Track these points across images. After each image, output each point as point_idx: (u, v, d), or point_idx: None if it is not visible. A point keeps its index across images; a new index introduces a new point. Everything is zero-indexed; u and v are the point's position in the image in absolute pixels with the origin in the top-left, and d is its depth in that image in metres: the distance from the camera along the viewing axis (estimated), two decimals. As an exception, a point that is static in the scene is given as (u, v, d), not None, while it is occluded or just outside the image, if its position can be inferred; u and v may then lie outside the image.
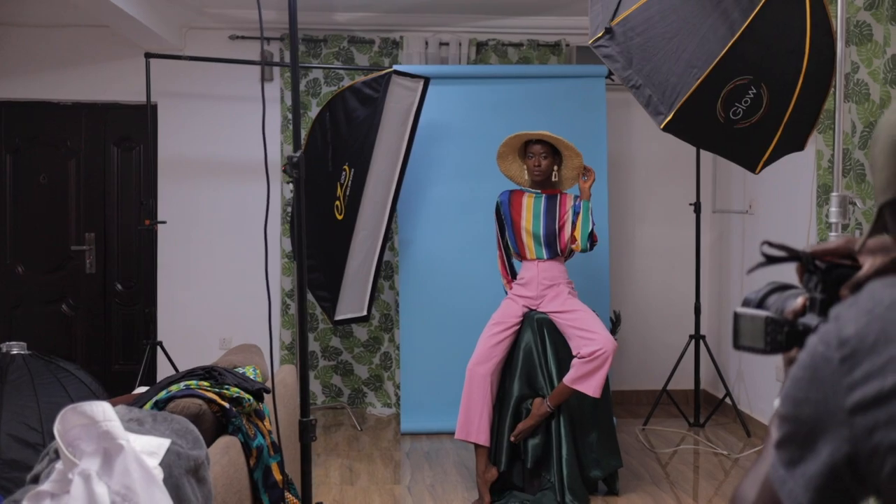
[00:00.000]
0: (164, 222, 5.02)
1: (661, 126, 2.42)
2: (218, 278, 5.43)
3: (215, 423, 2.20)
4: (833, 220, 2.18)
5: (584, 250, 3.81)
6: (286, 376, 3.04)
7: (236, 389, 2.26)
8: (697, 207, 5.08)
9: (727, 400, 5.12)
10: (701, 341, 5.12)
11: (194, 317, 5.42)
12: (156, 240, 5.35)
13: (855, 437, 0.78)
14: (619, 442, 3.97)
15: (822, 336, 0.83)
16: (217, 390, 2.22)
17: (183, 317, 5.43)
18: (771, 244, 1.09)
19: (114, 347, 5.58)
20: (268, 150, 5.56)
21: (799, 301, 1.04)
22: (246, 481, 2.21)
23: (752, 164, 2.60)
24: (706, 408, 5.30)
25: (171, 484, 1.63)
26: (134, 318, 5.55)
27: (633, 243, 5.63)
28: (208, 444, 2.14)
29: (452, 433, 4.90)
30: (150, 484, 1.56)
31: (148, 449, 1.64)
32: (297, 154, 2.02)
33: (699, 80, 2.30)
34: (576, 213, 3.86)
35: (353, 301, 4.54)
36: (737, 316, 1.08)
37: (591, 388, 3.58)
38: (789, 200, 4.56)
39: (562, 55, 5.47)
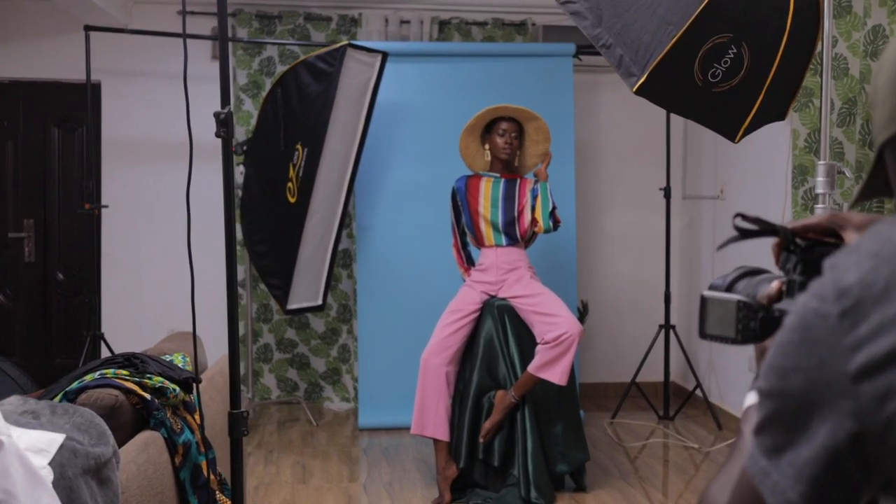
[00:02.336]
0: (106, 206, 4.72)
1: (634, 89, 2.22)
2: (166, 266, 5.14)
3: (135, 417, 1.95)
4: (820, 190, 2.00)
5: (546, 230, 3.60)
6: (226, 366, 2.79)
7: (160, 379, 2.01)
8: (667, 192, 4.90)
9: (698, 392, 4.95)
10: (671, 331, 4.95)
11: (141, 307, 5.13)
12: (99, 226, 5.05)
13: (862, 408, 0.62)
14: (585, 434, 3.78)
15: (816, 290, 0.66)
16: (137, 380, 1.97)
17: (128, 307, 5.14)
18: (744, 217, 0.93)
19: (55, 340, 5.27)
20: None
21: (774, 285, 0.91)
22: (170, 481, 1.96)
23: (731, 133, 2.40)
24: (675, 400, 5.13)
25: (63, 486, 1.38)
26: (76, 309, 5.24)
27: (600, 230, 5.44)
28: (127, 440, 1.90)
29: (411, 428, 4.69)
30: (36, 487, 1.32)
31: (36, 446, 1.40)
32: (225, 109, 1.78)
33: (675, 38, 2.09)
34: (534, 196, 3.66)
35: (306, 289, 4.29)
36: (704, 300, 0.93)
37: (557, 375, 3.38)
38: (762, 184, 4.40)
39: (527, 35, 5.26)
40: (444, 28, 5.23)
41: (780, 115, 2.39)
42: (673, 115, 5.11)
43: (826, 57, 2.08)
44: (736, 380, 4.74)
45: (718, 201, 4.93)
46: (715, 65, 2.18)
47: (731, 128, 2.37)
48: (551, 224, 3.58)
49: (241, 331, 5.12)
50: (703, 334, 0.94)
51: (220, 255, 5.17)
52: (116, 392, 1.90)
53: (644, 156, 5.38)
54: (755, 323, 0.88)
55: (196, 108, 5.51)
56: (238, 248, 5.08)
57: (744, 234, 0.95)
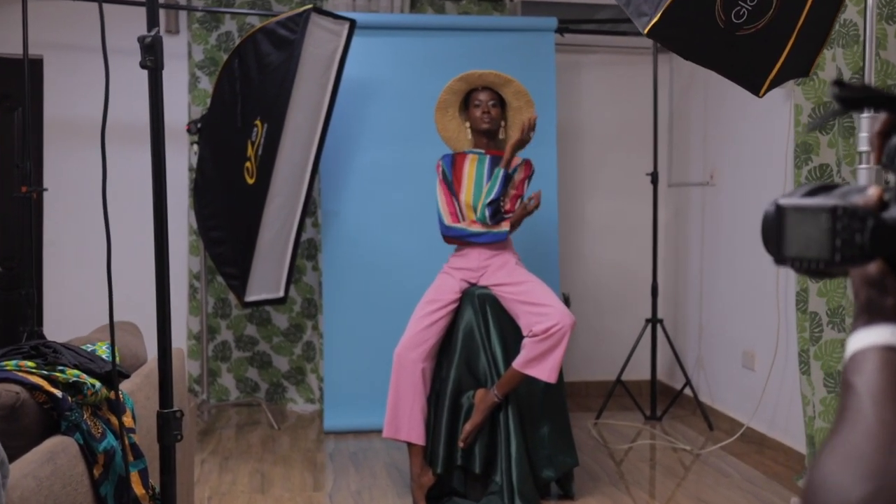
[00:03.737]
0: (45, 189, 4.31)
1: (646, 30, 1.90)
2: (115, 257, 4.73)
3: (42, 419, 1.58)
4: (863, 148, 1.70)
5: (482, 222, 3.26)
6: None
7: (75, 372, 1.64)
8: (654, 178, 4.60)
9: (687, 390, 4.66)
10: (658, 326, 4.64)
11: (87, 300, 4.71)
12: (41, 213, 4.63)
13: None
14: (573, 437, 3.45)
15: None
16: (46, 373, 1.60)
17: (72, 300, 4.71)
18: (844, 85, 0.68)
19: (-8, 338, 4.83)
20: (173, 111, 4.88)
21: (872, 192, 0.67)
22: (87, 498, 1.60)
23: (755, 85, 2.10)
24: (661, 399, 4.84)
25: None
26: (17, 305, 4.80)
27: (583, 219, 5.12)
28: (32, 446, 1.53)
29: (382, 431, 4.34)
30: None
31: None
32: (153, 32, 1.43)
33: (694, -30, 1.78)
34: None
35: (266, 279, 3.92)
36: (782, 211, 0.70)
37: (546, 371, 3.05)
38: (758, 167, 4.11)
39: (505, 10, 4.94)
40: (416, 3, 4.88)
41: (804, 71, 2.10)
42: (660, 97, 4.82)
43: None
44: (727, 377, 4.44)
45: (708, 188, 4.63)
46: (739, 3, 1.87)
47: (754, 79, 2.06)
48: (487, 215, 3.24)
49: (197, 327, 4.73)
50: (782, 258, 0.69)
51: (176, 245, 4.81)
52: (17, 388, 1.53)
53: (628, 140, 5.08)
54: (862, 235, 0.65)
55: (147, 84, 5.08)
56: (193, 238, 4.69)
57: (847, 105, 0.69)
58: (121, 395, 1.81)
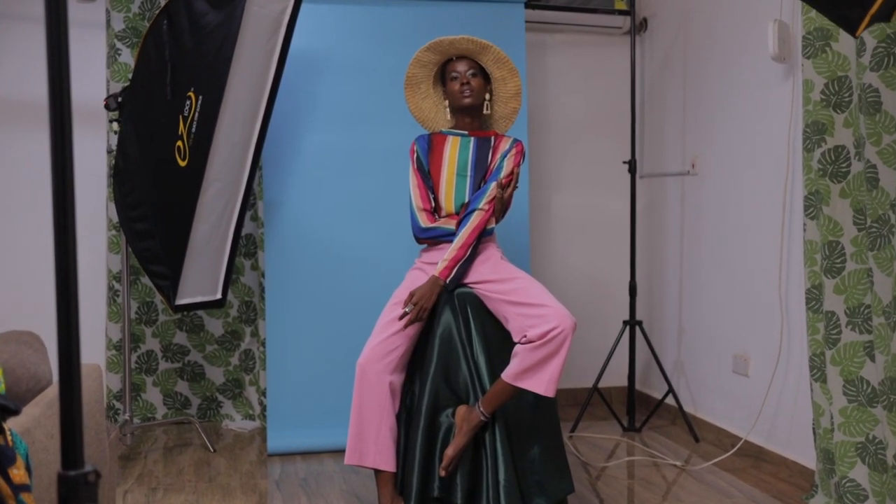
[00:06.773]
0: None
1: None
2: (20, 256, 4.10)
3: None
4: None
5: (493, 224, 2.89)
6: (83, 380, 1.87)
7: (-67, 410, 1.10)
8: (633, 166, 4.20)
9: (670, 399, 4.27)
10: (637, 328, 4.24)
11: (-15, 307, 4.07)
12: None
13: None
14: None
15: None
16: None
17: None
18: None
19: None
20: (89, 88, 4.25)
21: None
22: None
23: (852, 23, 1.70)
24: (639, 408, 4.45)
25: None
26: None
27: (551, 214, 4.69)
28: None
29: (335, 451, 3.82)
30: None
31: None
32: None
33: None
34: (499, 168, 2.87)
35: (201, 279, 3.36)
36: None
37: (543, 384, 2.58)
38: (750, 152, 3.74)
39: (467, -18, 4.48)
40: (368, -29, 4.38)
41: (888, 15, 1.71)
42: (637, 80, 4.44)
43: None
44: (714, 384, 4.07)
45: (688, 177, 4.26)
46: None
47: (851, 13, 1.66)
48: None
49: (118, 335, 4.13)
50: None
51: (93, 242, 4.19)
52: None
53: (600, 129, 4.67)
54: None
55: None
56: (113, 233, 4.10)
57: None
58: (9, 437, 1.27)
